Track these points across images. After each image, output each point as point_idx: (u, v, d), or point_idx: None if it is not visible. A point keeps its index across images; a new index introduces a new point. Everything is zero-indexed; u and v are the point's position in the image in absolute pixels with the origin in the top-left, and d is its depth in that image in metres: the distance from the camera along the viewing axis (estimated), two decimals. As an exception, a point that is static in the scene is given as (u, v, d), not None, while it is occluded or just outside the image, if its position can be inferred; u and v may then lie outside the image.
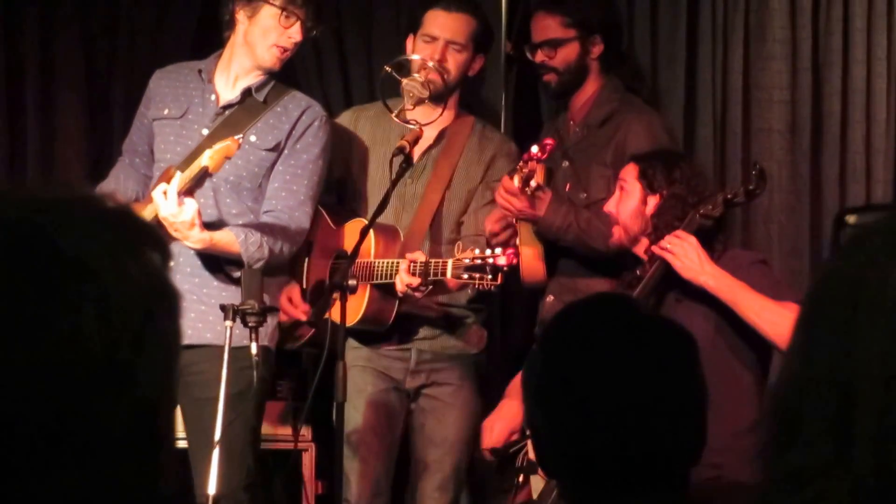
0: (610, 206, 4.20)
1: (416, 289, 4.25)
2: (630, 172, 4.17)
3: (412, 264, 4.23)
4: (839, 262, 1.18)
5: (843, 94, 4.99)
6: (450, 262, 4.14)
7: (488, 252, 4.11)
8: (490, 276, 4.07)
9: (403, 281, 4.25)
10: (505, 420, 4.38)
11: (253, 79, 4.38)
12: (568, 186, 4.63)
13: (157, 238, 1.20)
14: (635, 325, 2.03)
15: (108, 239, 1.15)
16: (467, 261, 4.11)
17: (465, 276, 4.11)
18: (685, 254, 4.01)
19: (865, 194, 4.93)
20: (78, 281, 1.12)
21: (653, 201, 4.13)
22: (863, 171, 4.96)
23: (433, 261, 4.22)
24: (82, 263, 1.12)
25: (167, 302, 1.17)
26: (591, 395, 1.96)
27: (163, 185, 4.07)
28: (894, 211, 1.19)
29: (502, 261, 4.06)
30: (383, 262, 4.36)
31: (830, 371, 1.13)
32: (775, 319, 3.80)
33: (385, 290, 4.39)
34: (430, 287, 4.28)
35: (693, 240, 4.02)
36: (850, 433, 1.11)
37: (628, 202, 4.15)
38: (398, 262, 4.30)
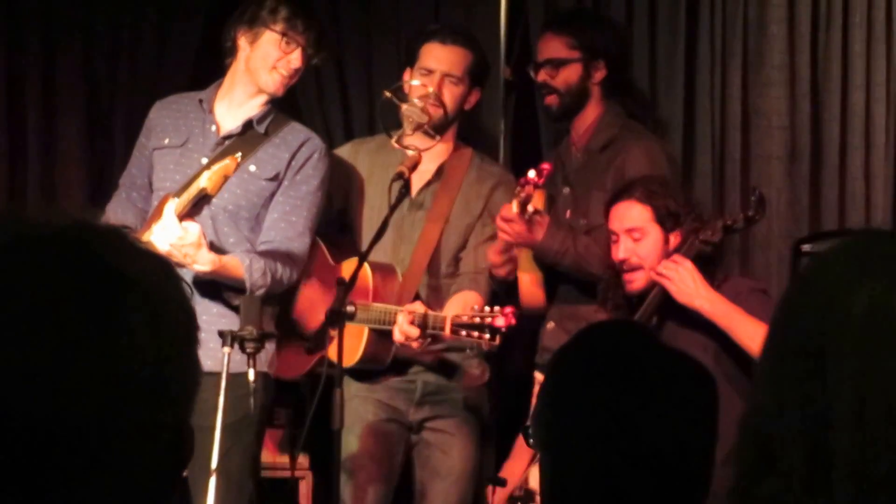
0: (630, 257, 4.12)
1: (414, 340, 4.26)
2: (640, 218, 4.11)
3: (410, 315, 4.24)
4: (802, 289, 1.19)
5: (842, 120, 4.98)
6: (448, 319, 4.16)
7: (487, 310, 4.12)
8: (488, 337, 4.08)
9: (402, 332, 4.26)
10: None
11: (255, 107, 4.39)
12: (568, 213, 4.62)
13: (177, 271, 1.23)
14: (651, 357, 1.98)
15: (147, 261, 1.18)
16: (466, 318, 4.13)
17: (463, 333, 4.12)
18: (681, 278, 4.01)
19: (865, 220, 4.91)
20: (130, 295, 1.14)
21: (674, 238, 4.11)
22: (862, 197, 4.95)
23: (432, 314, 4.23)
24: (132, 279, 1.15)
25: (197, 328, 1.21)
26: (604, 427, 1.92)
27: (162, 222, 4.07)
28: (849, 236, 1.20)
29: (500, 321, 4.08)
30: (382, 309, 4.36)
31: (803, 397, 1.14)
32: None
33: (383, 332, 4.39)
34: (429, 340, 4.29)
35: (689, 264, 4.01)
36: (827, 458, 1.11)
37: (649, 246, 4.11)
38: (397, 311, 4.30)
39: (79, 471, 1.10)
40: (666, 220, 4.11)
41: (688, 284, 3.99)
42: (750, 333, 3.87)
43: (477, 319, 4.12)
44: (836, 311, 1.14)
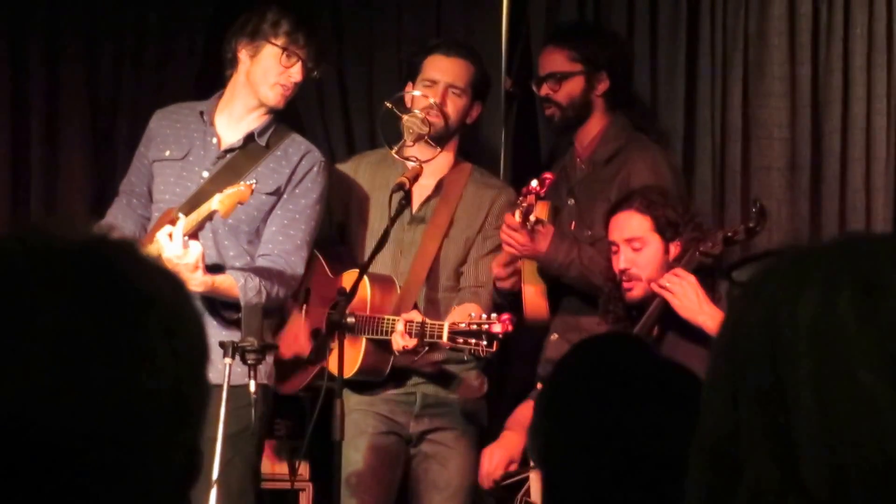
0: (630, 268, 4.13)
1: (412, 350, 4.27)
2: (640, 228, 4.12)
3: (408, 324, 4.24)
4: (745, 308, 1.21)
5: (842, 131, 4.96)
6: (445, 326, 4.17)
7: (484, 317, 4.13)
8: (485, 343, 4.09)
9: (399, 342, 4.27)
10: (505, 449, 4.37)
11: (256, 120, 4.40)
12: (573, 224, 4.62)
13: (188, 289, 1.23)
14: (648, 370, 1.99)
15: (162, 278, 1.18)
16: (463, 325, 4.13)
17: (461, 340, 4.12)
18: (684, 293, 4.00)
19: (865, 232, 4.89)
20: (150, 312, 1.14)
21: (674, 248, 4.12)
22: (862, 210, 4.93)
23: (429, 322, 4.23)
24: (151, 296, 1.14)
25: (208, 346, 1.20)
26: (601, 439, 1.92)
27: (168, 228, 4.07)
28: (777, 254, 1.23)
29: (497, 328, 4.08)
30: (380, 319, 4.36)
31: (761, 407, 1.16)
32: None
33: (381, 343, 4.40)
34: (427, 349, 4.29)
35: (692, 278, 4.01)
36: (794, 458, 1.13)
37: (649, 255, 4.11)
38: (395, 320, 4.31)
39: (94, 488, 1.10)
40: (666, 230, 4.11)
41: (691, 300, 3.99)
42: None
43: (474, 326, 4.12)
44: (783, 319, 1.17)
